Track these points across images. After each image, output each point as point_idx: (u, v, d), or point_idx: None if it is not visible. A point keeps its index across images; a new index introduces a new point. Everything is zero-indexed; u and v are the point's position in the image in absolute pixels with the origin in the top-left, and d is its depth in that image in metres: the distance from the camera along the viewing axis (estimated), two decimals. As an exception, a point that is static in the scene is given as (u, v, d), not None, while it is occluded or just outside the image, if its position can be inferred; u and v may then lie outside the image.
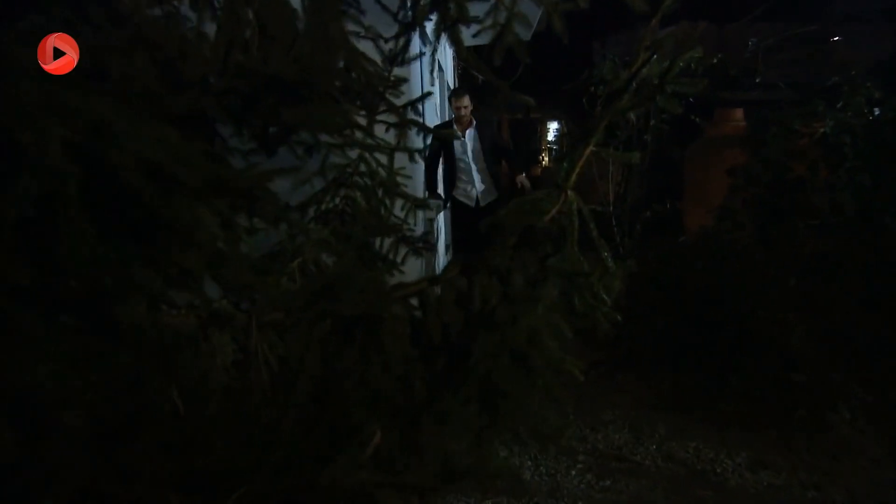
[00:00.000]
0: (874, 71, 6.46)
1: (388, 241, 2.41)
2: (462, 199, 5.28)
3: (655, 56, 1.25)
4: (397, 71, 2.26)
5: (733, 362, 3.57)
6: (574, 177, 1.34)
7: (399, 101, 2.44)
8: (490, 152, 5.20)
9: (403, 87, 2.64)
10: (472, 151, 5.14)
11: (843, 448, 3.10)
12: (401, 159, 2.79)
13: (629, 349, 4.16)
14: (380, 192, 2.41)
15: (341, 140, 1.94)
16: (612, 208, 5.64)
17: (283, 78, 1.24)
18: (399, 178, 2.95)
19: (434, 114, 6.13)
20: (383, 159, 2.73)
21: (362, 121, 1.88)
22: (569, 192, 1.33)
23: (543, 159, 12.25)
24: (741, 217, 3.93)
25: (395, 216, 2.49)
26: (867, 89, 4.37)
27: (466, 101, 5.02)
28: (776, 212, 3.82)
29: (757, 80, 5.69)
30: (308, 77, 1.25)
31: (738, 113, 5.69)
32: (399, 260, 2.39)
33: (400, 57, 2.37)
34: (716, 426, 3.34)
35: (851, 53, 10.09)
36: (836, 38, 10.88)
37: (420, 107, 4.32)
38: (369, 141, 2.44)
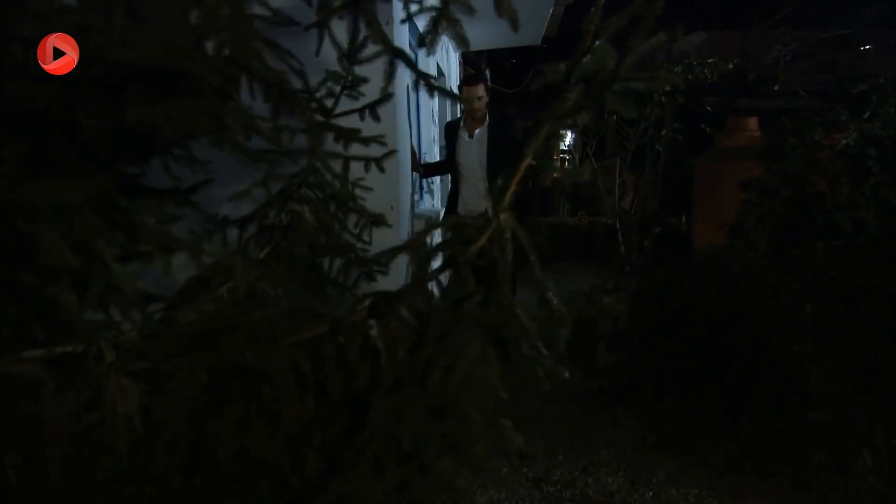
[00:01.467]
0: None
1: (339, 263, 2.18)
2: (463, 210, 4.55)
3: (599, 43, 1.03)
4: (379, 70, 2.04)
5: (744, 397, 3.31)
6: (509, 196, 1.10)
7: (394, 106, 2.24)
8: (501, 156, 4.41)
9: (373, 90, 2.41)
10: (480, 157, 4.25)
11: (866, 499, 2.83)
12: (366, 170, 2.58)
13: (631, 378, 3.91)
14: (332, 207, 2.19)
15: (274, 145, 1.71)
16: (618, 224, 5.38)
17: (146, 66, 1.03)
18: (359, 191, 2.73)
19: (431, 122, 5.93)
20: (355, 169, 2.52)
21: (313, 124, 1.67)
22: (501, 217, 1.10)
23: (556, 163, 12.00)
24: (754, 235, 3.67)
25: (353, 233, 2.27)
26: None
27: (481, 90, 4.12)
28: (793, 230, 3.55)
29: (776, 87, 5.42)
30: (176, 65, 1.03)
31: (752, 122, 5.43)
32: (350, 283, 2.16)
33: (357, 54, 2.16)
34: (722, 470, 3.08)
35: (882, 61, 9.81)
36: (867, 47, 10.59)
37: (402, 112, 4.13)
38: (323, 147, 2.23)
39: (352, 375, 1.04)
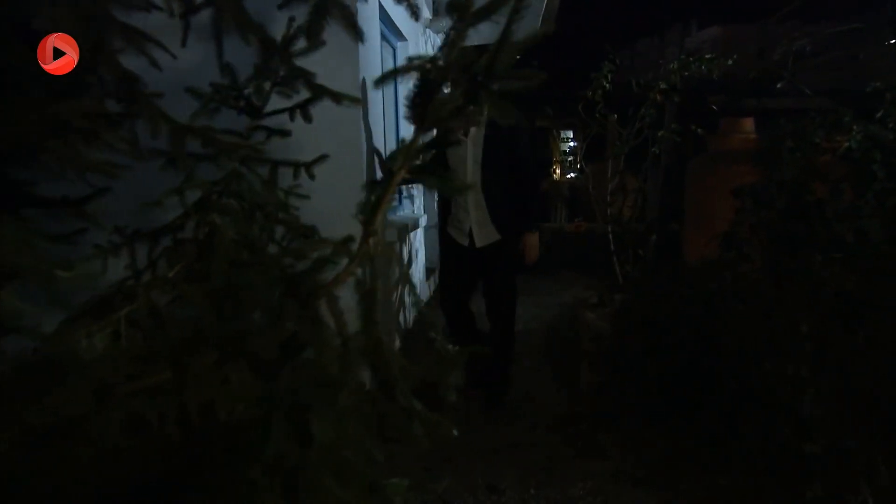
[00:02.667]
0: None
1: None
2: (452, 231, 4.07)
3: (454, 30, 0.90)
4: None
5: (735, 425, 3.17)
6: (380, 217, 0.98)
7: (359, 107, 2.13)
8: (504, 171, 3.86)
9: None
10: (473, 161, 3.81)
11: (865, 540, 2.69)
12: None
13: (615, 403, 3.77)
14: (259, 218, 2.07)
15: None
16: (609, 231, 5.25)
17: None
18: (319, 199, 2.62)
19: (395, 125, 5.81)
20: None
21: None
22: (371, 241, 0.97)
23: (555, 171, 11.88)
24: (749, 247, 3.53)
25: (283, 247, 2.15)
26: None
27: None
28: (791, 241, 3.41)
29: (778, 86, 5.27)
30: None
31: (748, 123, 5.29)
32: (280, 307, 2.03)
33: (292, 43, 2.03)
34: (708, 506, 2.94)
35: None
36: (893, 41, 10.44)
37: (371, 109, 3.99)
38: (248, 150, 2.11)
39: (186, 436, 0.92)
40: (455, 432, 1.00)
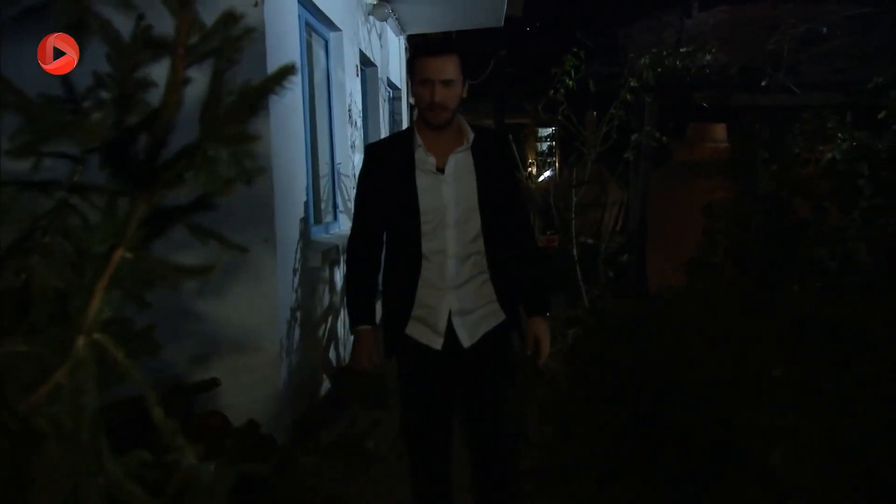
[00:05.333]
0: None
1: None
2: (414, 329, 2.66)
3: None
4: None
5: (698, 488, 3.10)
6: (97, 301, 0.87)
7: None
8: (501, 217, 2.70)
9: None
10: (458, 207, 2.60)
11: None
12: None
13: (567, 457, 3.69)
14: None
15: None
16: (574, 249, 5.18)
17: None
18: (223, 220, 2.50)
19: (348, 123, 5.72)
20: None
21: None
22: (81, 343, 0.86)
23: (530, 173, 11.86)
24: (721, 273, 3.48)
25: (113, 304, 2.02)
26: None
27: (451, 67, 2.49)
28: (767, 268, 3.36)
29: (763, 83, 5.26)
30: None
31: (719, 130, 5.25)
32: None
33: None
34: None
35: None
36: None
37: (286, 118, 3.83)
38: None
39: None
40: None
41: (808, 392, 3.13)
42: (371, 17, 6.78)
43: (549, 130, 13.43)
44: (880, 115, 4.03)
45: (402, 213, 2.57)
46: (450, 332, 2.63)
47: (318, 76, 5.37)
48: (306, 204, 4.42)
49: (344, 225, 5.77)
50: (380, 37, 7.28)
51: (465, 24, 8.85)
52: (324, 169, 5.47)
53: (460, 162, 2.60)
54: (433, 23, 8.76)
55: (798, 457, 3.03)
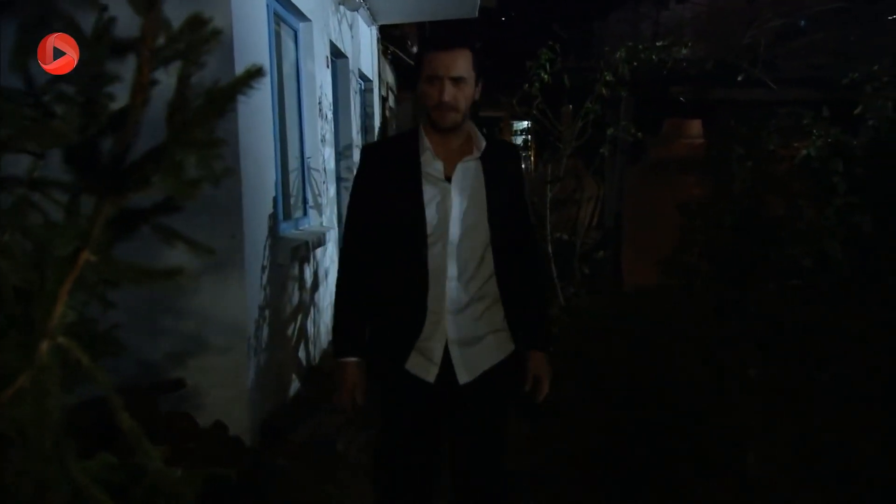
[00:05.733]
0: None
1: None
2: (414, 365, 2.39)
3: None
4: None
5: (669, 488, 3.14)
6: (62, 304, 0.88)
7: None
8: (510, 235, 2.46)
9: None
10: (463, 221, 2.36)
11: None
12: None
13: (542, 456, 3.72)
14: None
15: None
16: (548, 245, 5.22)
17: None
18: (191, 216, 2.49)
19: (318, 117, 5.71)
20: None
21: None
22: (43, 346, 0.87)
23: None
24: (696, 271, 3.53)
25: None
26: (895, 89, 4.05)
27: (462, 64, 2.25)
28: (742, 267, 3.41)
29: (738, 78, 5.32)
30: None
31: (695, 126, 5.32)
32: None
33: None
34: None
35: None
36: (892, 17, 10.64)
37: (252, 112, 3.82)
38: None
39: None
40: None
41: (781, 392, 3.19)
42: (342, 7, 6.77)
43: (525, 124, 13.48)
44: (856, 111, 4.11)
45: (405, 226, 2.33)
46: (446, 364, 2.35)
47: (288, 68, 5.35)
48: (275, 199, 4.40)
49: (314, 220, 5.77)
50: (351, 27, 7.27)
51: (438, 15, 8.83)
52: (293, 163, 5.45)
53: (469, 172, 2.37)
54: (406, 13, 8.75)
55: (771, 456, 3.08)
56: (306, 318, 5.08)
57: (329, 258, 5.92)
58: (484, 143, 2.37)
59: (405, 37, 10.23)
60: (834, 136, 3.54)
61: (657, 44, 4.84)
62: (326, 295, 5.79)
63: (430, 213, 2.32)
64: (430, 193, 2.32)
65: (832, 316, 3.34)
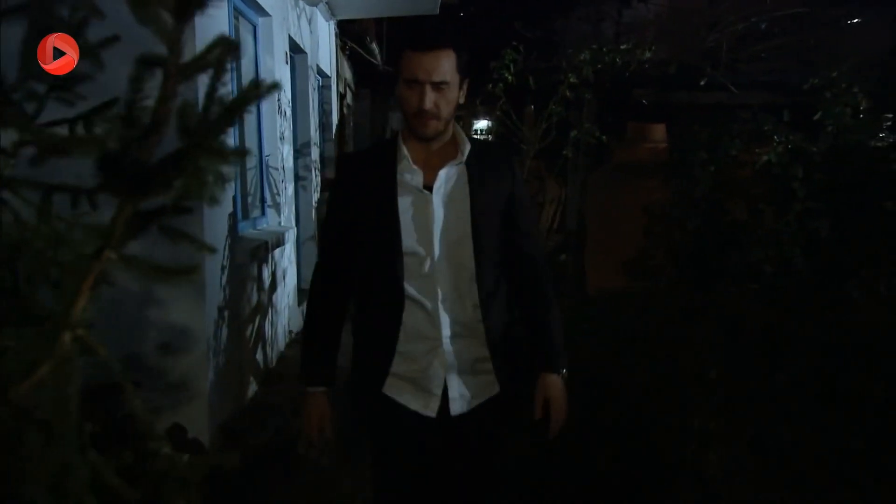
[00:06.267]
0: (865, 69, 6.33)
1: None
2: (394, 388, 2.22)
3: None
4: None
5: (636, 486, 3.26)
6: (84, 299, 0.95)
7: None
8: (500, 248, 2.26)
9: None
10: (447, 234, 2.18)
11: None
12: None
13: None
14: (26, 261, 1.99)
15: None
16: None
17: None
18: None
19: (277, 113, 5.75)
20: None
21: None
22: (67, 336, 0.94)
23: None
24: (660, 275, 3.66)
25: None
26: (853, 96, 4.21)
27: (446, 66, 2.05)
28: (706, 269, 3.55)
29: (701, 83, 5.49)
30: None
31: (659, 130, 5.47)
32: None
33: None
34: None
35: (868, 42, 10.13)
36: (856, 20, 10.88)
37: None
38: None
39: None
40: None
41: (740, 393, 3.32)
42: (301, 2, 6.81)
43: (484, 123, 13.61)
44: (816, 117, 4.27)
45: (378, 241, 2.16)
46: (442, 396, 2.18)
47: (247, 63, 5.39)
48: (234, 199, 4.45)
49: (272, 220, 5.81)
50: (310, 22, 7.31)
51: (398, 11, 8.88)
52: (251, 161, 5.49)
53: (452, 178, 2.17)
54: (366, 8, 8.79)
55: (730, 458, 3.20)
56: (264, 320, 5.13)
57: (287, 259, 5.97)
58: (468, 147, 2.16)
59: (364, 32, 10.27)
60: (794, 143, 3.69)
61: (621, 47, 4.98)
62: (284, 296, 5.84)
63: (408, 227, 2.14)
64: (406, 204, 2.14)
65: (791, 318, 3.49)
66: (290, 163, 6.26)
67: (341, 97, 9.99)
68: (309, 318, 2.34)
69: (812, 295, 3.54)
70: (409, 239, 2.13)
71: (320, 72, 8.21)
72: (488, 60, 5.49)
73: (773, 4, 9.05)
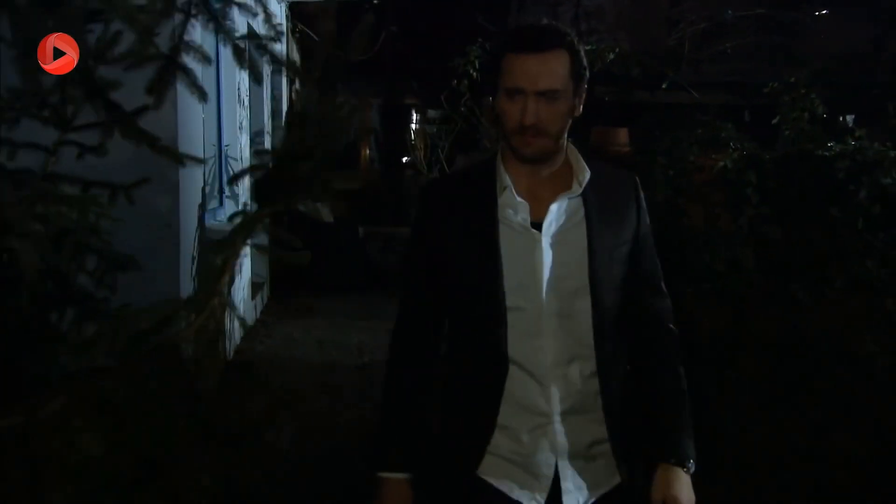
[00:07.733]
0: (822, 73, 6.80)
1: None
2: (496, 473, 1.83)
3: None
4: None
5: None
6: (226, 278, 1.33)
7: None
8: (624, 300, 1.90)
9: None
10: (559, 285, 1.83)
11: None
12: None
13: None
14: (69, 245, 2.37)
15: None
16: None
17: None
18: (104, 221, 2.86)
19: (237, 103, 6.00)
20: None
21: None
22: (218, 300, 1.31)
23: (421, 162, 12.30)
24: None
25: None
26: (811, 101, 4.61)
27: (555, 75, 1.72)
28: (664, 270, 3.98)
29: (663, 86, 5.94)
30: None
31: (622, 134, 5.88)
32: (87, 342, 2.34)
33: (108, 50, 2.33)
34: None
35: (833, 43, 10.62)
36: (822, 12, 11.25)
37: (190, 110, 4.17)
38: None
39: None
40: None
41: (693, 389, 3.75)
42: (257, -9, 7.09)
43: (439, 112, 13.93)
44: (774, 121, 4.73)
45: (475, 292, 1.86)
46: (554, 485, 1.82)
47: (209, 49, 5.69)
48: (203, 190, 4.75)
49: (230, 210, 6.06)
50: (281, 13, 7.51)
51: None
52: (210, 151, 5.74)
53: (565, 214, 1.84)
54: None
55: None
56: (223, 311, 5.45)
57: (244, 250, 6.25)
58: (587, 174, 1.84)
59: (322, 13, 10.49)
60: (749, 149, 4.17)
61: (586, 48, 5.39)
62: (240, 289, 6.11)
63: (512, 274, 1.83)
64: (509, 246, 1.83)
65: (741, 317, 3.93)
66: (247, 153, 6.50)
67: (291, 83, 10.20)
68: (389, 387, 2.00)
69: (761, 295, 3.97)
70: (512, 290, 1.83)
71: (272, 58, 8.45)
72: (443, 44, 5.80)
73: (736, 5, 9.53)
